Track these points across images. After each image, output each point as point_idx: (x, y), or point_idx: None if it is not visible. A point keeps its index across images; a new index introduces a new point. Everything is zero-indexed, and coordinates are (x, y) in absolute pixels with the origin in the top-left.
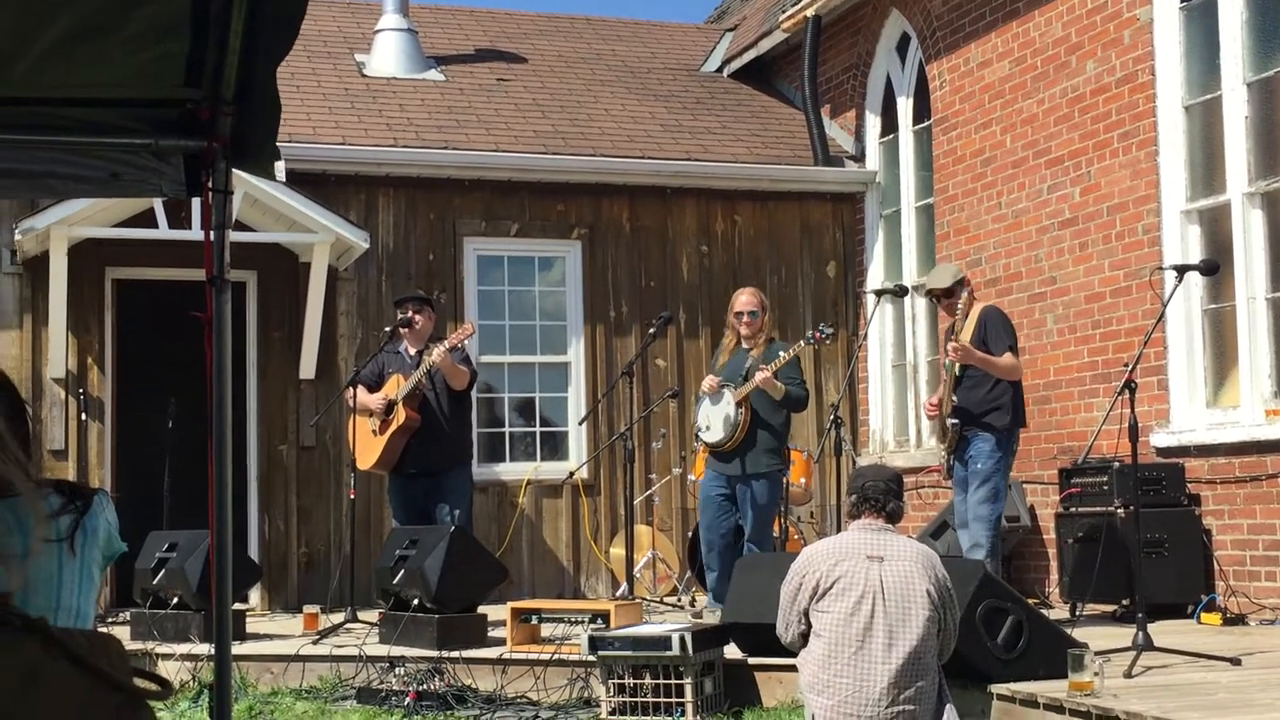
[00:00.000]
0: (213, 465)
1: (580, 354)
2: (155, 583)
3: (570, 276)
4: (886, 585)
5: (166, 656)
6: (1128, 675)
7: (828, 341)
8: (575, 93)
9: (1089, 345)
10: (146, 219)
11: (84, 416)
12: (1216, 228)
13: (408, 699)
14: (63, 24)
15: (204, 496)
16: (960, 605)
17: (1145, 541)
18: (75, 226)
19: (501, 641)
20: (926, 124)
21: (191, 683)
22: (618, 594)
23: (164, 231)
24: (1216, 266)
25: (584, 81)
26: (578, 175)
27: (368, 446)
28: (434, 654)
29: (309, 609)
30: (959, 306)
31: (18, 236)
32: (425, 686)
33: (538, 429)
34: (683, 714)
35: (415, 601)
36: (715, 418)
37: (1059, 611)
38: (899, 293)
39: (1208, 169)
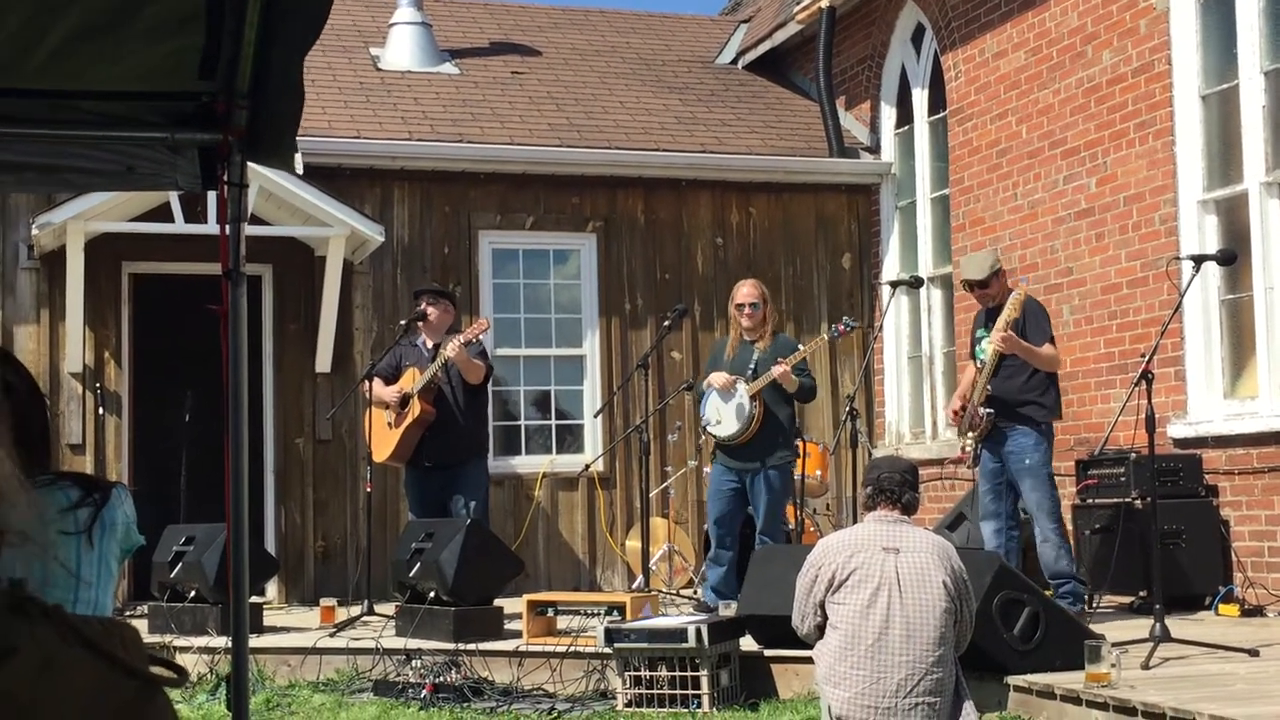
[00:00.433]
0: (229, 458)
1: (595, 347)
2: (173, 576)
3: (585, 269)
4: (903, 577)
5: (184, 649)
6: (1145, 667)
7: (850, 332)
8: (589, 85)
9: (1105, 336)
10: (163, 213)
11: (101, 411)
12: (1234, 217)
13: (424, 691)
14: (77, 16)
15: (221, 490)
16: (976, 597)
17: (1163, 533)
18: (92, 221)
19: (518, 634)
20: (942, 115)
21: (209, 675)
22: (634, 586)
23: (180, 226)
24: (1234, 256)
25: (598, 74)
26: (592, 168)
27: (383, 439)
28: (450, 646)
29: (326, 602)
30: (995, 296)
31: (35, 231)
32: (442, 679)
33: (553, 422)
34: (699, 706)
35: (432, 594)
36: (726, 412)
37: None
38: (914, 284)
39: (1225, 159)
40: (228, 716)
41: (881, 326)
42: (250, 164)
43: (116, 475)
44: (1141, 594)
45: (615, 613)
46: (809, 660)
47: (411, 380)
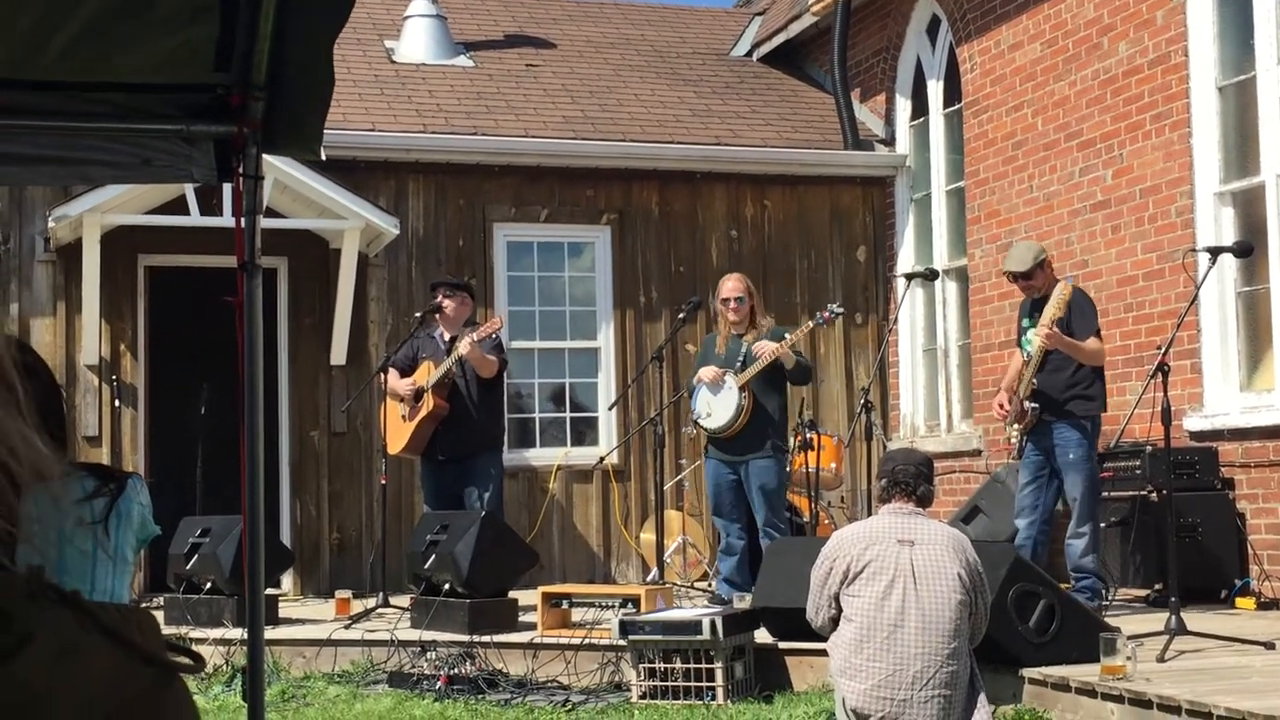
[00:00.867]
0: (245, 451)
1: (610, 339)
2: (189, 568)
3: (600, 262)
4: (917, 569)
5: (200, 641)
6: (1161, 659)
7: (835, 320)
8: (604, 78)
9: (1121, 329)
10: (178, 206)
11: (117, 403)
12: (1250, 209)
13: (439, 683)
14: (91, 8)
15: (236, 482)
16: (992, 589)
17: (1179, 526)
18: (108, 214)
19: (532, 626)
20: (957, 107)
21: (225, 667)
22: (648, 579)
23: (196, 218)
24: (1250, 248)
25: (613, 66)
26: (607, 160)
27: (397, 431)
28: (465, 638)
29: (341, 594)
30: (1039, 287)
31: (51, 224)
32: (457, 671)
33: (568, 414)
34: (713, 698)
35: (446, 586)
36: (717, 404)
37: None
38: (930, 276)
39: (1241, 150)
40: (243, 708)
41: (896, 319)
42: (265, 156)
43: (132, 467)
44: (1157, 587)
45: (630, 605)
46: (823, 653)
47: (427, 373)
